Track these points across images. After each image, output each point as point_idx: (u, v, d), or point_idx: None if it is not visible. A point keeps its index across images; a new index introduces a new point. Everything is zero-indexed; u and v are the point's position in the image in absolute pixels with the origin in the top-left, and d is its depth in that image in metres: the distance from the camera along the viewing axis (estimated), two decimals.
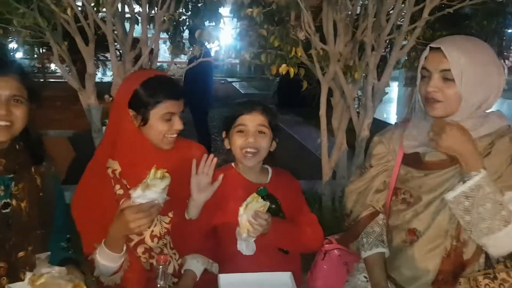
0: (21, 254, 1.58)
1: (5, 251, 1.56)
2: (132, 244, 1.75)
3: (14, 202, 1.58)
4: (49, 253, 1.51)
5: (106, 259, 1.62)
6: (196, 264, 1.78)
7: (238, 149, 1.85)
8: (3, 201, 1.57)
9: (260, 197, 1.65)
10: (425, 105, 1.63)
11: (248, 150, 1.82)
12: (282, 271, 1.68)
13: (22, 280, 1.52)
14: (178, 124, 1.76)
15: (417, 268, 1.65)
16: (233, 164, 1.94)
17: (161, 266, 1.61)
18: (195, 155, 1.86)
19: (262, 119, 1.85)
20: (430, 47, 1.60)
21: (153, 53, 3.60)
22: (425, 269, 1.64)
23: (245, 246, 1.71)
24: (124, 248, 1.63)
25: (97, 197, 1.71)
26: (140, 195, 1.51)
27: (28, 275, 1.40)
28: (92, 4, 3.18)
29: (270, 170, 1.96)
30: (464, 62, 1.53)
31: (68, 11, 3.06)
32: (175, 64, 4.04)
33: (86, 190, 1.76)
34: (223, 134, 1.93)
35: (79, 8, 3.27)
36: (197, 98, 6.36)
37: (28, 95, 1.58)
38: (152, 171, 1.55)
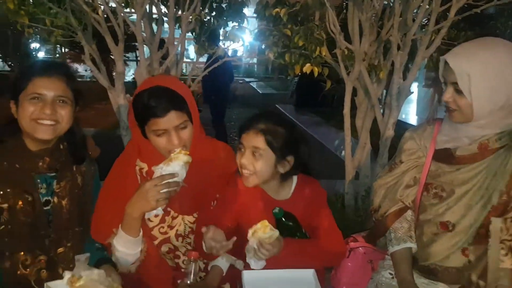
0: (60, 250, 1.64)
1: (45, 246, 1.61)
2: (157, 242, 1.77)
3: (55, 199, 1.64)
4: (88, 254, 1.54)
5: (123, 244, 1.64)
6: (221, 261, 1.80)
7: (239, 167, 1.78)
8: (44, 199, 1.63)
9: (268, 227, 1.60)
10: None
11: (243, 171, 1.76)
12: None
13: (61, 275, 1.55)
14: (174, 140, 1.65)
15: (451, 250, 1.69)
16: None
17: (192, 262, 1.64)
18: (221, 155, 1.87)
19: (258, 140, 1.72)
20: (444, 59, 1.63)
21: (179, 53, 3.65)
22: (460, 248, 1.68)
23: (254, 262, 1.67)
24: (140, 234, 1.64)
25: (122, 191, 1.72)
26: (161, 167, 1.57)
27: (67, 274, 1.43)
28: (123, 5, 3.24)
29: (295, 181, 1.88)
30: (471, 76, 1.54)
31: (99, 11, 3.13)
32: (196, 66, 4.07)
33: (113, 183, 1.78)
34: None
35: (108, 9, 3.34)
36: (216, 97, 6.43)
37: (73, 97, 1.64)
38: (177, 149, 1.61)
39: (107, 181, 1.80)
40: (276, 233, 1.61)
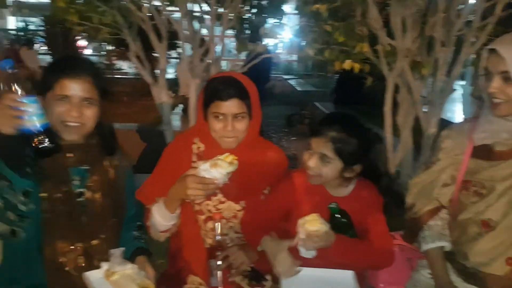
0: (94, 242, 1.68)
1: (80, 236, 1.66)
2: (203, 217, 1.87)
3: (88, 193, 1.68)
4: (123, 249, 1.59)
5: (160, 215, 1.74)
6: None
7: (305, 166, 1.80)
8: (78, 190, 1.67)
9: (317, 221, 1.62)
10: (489, 105, 1.63)
11: (309, 171, 1.79)
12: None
13: (96, 266, 1.61)
14: (229, 126, 1.76)
15: (493, 253, 1.64)
16: None
17: (217, 223, 1.74)
18: (272, 156, 1.93)
19: (327, 148, 1.73)
20: (489, 48, 1.58)
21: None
22: (502, 255, 1.62)
23: (304, 250, 1.67)
24: (177, 211, 1.74)
25: (176, 165, 1.83)
26: (206, 169, 1.61)
27: (105, 265, 1.50)
28: (166, 3, 3.33)
29: (354, 181, 1.87)
30: None
31: (144, 9, 3.23)
32: (236, 63, 4.13)
33: (169, 156, 1.91)
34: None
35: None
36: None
37: (99, 95, 1.65)
38: (226, 154, 1.65)
39: (165, 152, 1.93)
40: (325, 227, 1.61)
